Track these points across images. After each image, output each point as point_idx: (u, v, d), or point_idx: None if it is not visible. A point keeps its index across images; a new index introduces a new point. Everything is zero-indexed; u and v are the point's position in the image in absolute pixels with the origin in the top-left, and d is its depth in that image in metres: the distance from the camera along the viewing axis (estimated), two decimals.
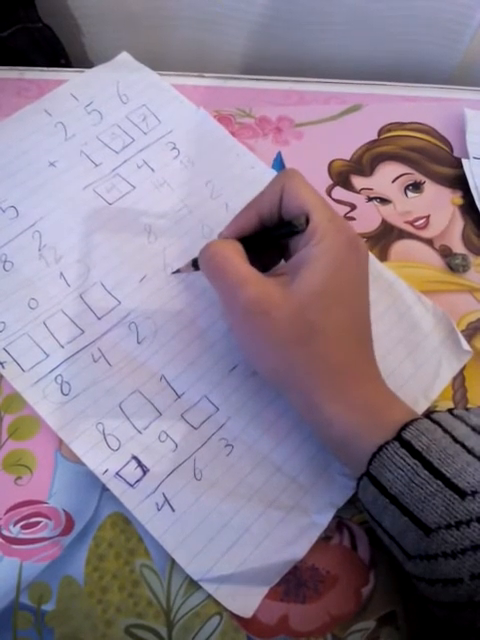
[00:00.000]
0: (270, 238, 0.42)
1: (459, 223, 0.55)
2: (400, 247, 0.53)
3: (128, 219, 0.51)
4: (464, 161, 0.57)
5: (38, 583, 0.39)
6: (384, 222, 0.54)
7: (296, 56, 0.68)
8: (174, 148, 0.55)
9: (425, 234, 0.54)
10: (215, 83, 0.59)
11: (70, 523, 0.41)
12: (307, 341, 0.37)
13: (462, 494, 0.32)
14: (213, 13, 0.64)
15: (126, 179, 0.53)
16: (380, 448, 0.35)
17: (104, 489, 0.42)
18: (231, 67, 0.70)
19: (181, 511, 0.41)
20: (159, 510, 0.41)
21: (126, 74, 0.59)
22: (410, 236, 0.54)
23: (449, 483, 0.33)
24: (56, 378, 0.44)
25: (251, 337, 0.40)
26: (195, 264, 0.45)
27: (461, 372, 0.48)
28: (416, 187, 0.56)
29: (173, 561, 0.40)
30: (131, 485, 0.41)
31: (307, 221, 0.39)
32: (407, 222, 0.54)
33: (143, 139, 0.55)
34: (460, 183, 0.56)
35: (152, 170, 0.54)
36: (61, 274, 0.49)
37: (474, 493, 0.32)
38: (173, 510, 0.41)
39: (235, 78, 0.61)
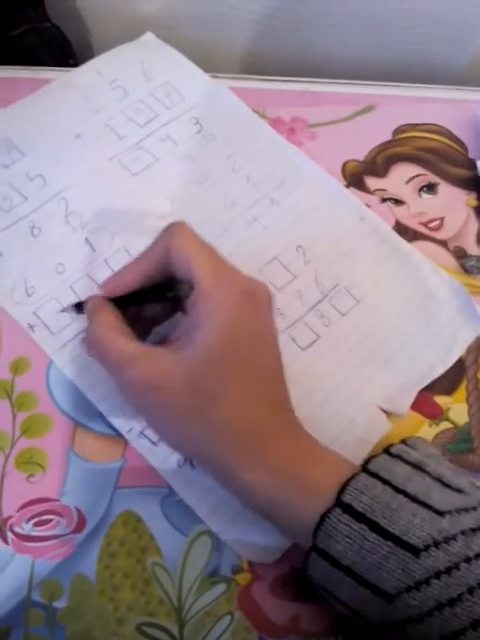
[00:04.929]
0: (155, 296, 0.40)
1: (474, 225, 0.54)
2: (414, 248, 0.52)
3: (152, 189, 0.53)
4: (478, 162, 0.56)
5: (50, 580, 0.39)
6: (398, 223, 0.54)
7: (304, 56, 0.68)
8: (197, 123, 0.56)
9: (439, 236, 0.53)
10: (228, 84, 0.59)
11: (82, 521, 0.41)
12: (205, 411, 0.35)
13: (415, 551, 0.31)
14: (221, 13, 0.65)
15: (150, 151, 0.54)
16: (322, 518, 0.33)
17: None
18: (240, 67, 0.71)
19: (201, 468, 0.42)
20: (180, 466, 0.42)
21: (150, 52, 0.60)
22: (424, 237, 0.53)
23: (400, 542, 0.31)
24: (83, 341, 0.45)
25: (148, 414, 0.38)
26: (77, 308, 0.42)
27: (474, 375, 0.48)
28: (430, 188, 0.56)
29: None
30: (154, 443, 0.43)
31: (191, 286, 0.37)
32: (421, 223, 0.54)
33: (166, 114, 0.56)
34: (475, 184, 0.56)
35: (175, 143, 0.55)
36: (86, 240, 0.50)
37: (427, 547, 0.31)
38: (193, 467, 0.42)
39: (248, 79, 0.61)
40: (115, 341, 0.37)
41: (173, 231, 0.39)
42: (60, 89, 0.57)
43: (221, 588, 0.40)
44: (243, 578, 0.40)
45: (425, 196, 0.56)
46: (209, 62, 0.59)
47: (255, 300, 0.37)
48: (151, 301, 0.41)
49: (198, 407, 0.35)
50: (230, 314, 0.36)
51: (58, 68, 0.60)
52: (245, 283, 0.38)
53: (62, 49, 0.64)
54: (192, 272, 0.37)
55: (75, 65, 0.62)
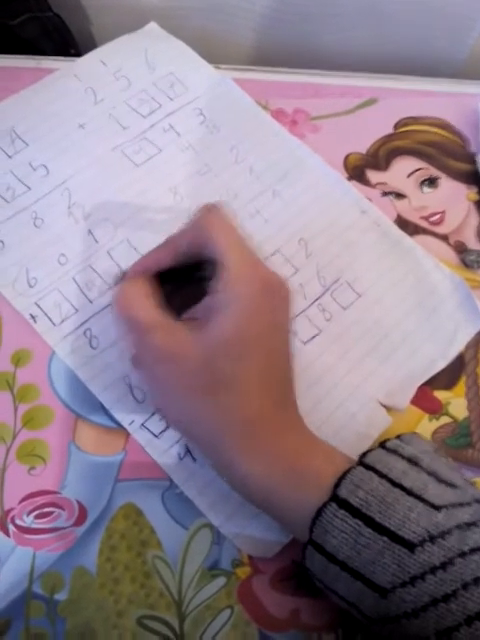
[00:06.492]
0: (187, 276, 0.41)
1: (474, 219, 0.54)
2: (415, 242, 0.52)
3: (154, 180, 0.53)
4: (478, 157, 0.56)
5: (51, 573, 0.39)
6: (399, 217, 0.54)
7: (307, 48, 0.68)
8: (200, 114, 0.56)
9: (440, 230, 0.53)
10: (231, 75, 0.59)
11: (83, 514, 0.41)
12: (214, 391, 0.36)
13: (410, 546, 0.31)
14: (224, 4, 0.64)
15: (153, 142, 0.54)
16: (318, 512, 0.33)
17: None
18: (244, 59, 0.70)
19: (202, 461, 0.42)
20: (181, 459, 0.42)
21: (154, 43, 0.60)
22: (425, 231, 0.53)
23: (395, 537, 0.31)
24: (85, 332, 0.46)
25: (158, 385, 0.39)
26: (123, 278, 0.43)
27: (474, 370, 0.48)
28: (431, 182, 0.56)
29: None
30: (156, 435, 0.43)
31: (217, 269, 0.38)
32: (422, 217, 0.54)
33: (170, 105, 0.56)
34: (475, 179, 0.56)
35: (178, 134, 0.55)
36: (89, 231, 0.50)
37: (422, 542, 0.31)
38: (194, 460, 0.42)
39: (251, 70, 0.60)
40: (143, 305, 0.38)
41: (206, 213, 0.39)
42: (64, 79, 0.57)
43: (221, 581, 0.40)
44: (243, 572, 0.40)
45: (426, 190, 0.55)
46: (212, 53, 0.59)
47: (274, 293, 0.38)
48: (181, 281, 0.41)
49: (208, 386, 0.36)
50: (249, 303, 0.36)
51: (60, 57, 0.59)
52: (267, 275, 0.38)
53: (63, 39, 0.64)
54: (219, 257, 0.37)
55: (76, 55, 0.62)
